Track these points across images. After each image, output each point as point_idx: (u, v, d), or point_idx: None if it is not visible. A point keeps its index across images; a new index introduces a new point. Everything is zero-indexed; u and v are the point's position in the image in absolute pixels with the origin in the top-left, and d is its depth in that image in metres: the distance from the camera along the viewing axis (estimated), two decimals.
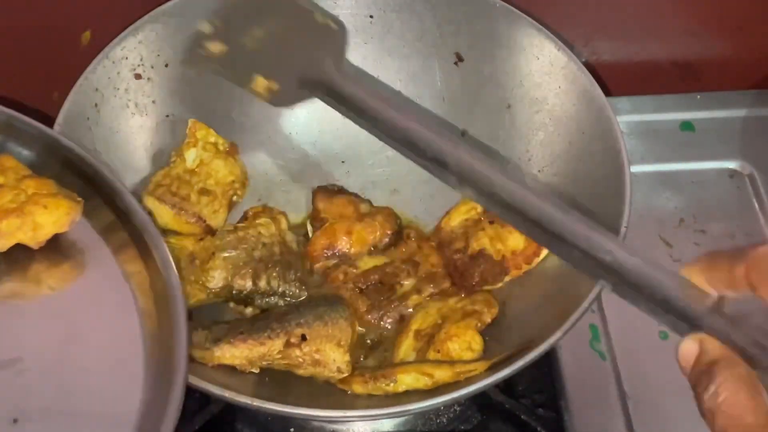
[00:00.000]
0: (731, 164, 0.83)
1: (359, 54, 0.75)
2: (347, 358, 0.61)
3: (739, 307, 0.42)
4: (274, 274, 0.66)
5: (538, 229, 0.49)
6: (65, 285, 0.57)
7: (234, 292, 0.65)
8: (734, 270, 0.41)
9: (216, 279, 0.64)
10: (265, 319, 0.62)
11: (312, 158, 0.76)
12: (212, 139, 0.71)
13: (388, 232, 0.70)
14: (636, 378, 0.71)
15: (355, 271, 0.68)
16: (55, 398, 0.50)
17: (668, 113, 0.86)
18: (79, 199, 0.56)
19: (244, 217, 0.70)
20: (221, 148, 0.71)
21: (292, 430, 0.69)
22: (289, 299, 0.66)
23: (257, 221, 0.68)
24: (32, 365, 0.51)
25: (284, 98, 0.64)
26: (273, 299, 0.66)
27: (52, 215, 0.57)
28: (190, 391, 0.65)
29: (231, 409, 0.68)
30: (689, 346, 0.42)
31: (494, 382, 0.55)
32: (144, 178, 0.69)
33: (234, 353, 0.60)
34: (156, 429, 0.47)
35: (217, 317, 0.65)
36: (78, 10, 0.74)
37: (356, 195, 0.73)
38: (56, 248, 0.57)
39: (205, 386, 0.54)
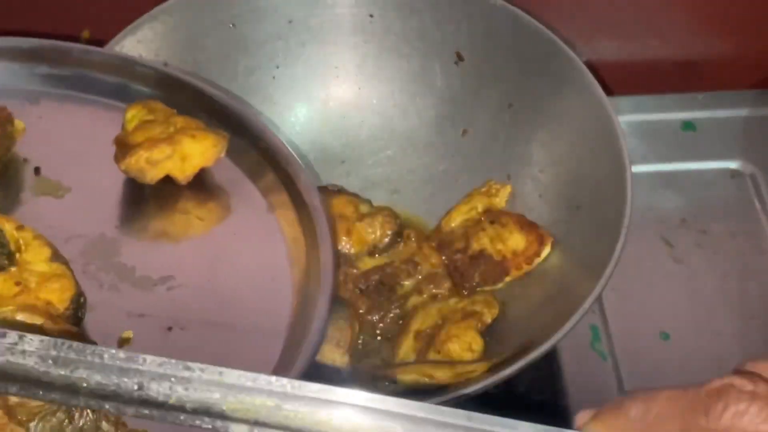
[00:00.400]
0: (733, 164, 0.83)
1: (359, 54, 0.75)
2: (346, 358, 0.61)
3: None
4: None
5: None
6: (214, 218, 0.60)
7: None
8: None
9: None
10: None
11: (312, 158, 0.76)
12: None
13: (388, 232, 0.70)
14: (637, 378, 0.71)
15: (355, 271, 0.68)
16: (207, 310, 0.54)
17: (669, 113, 0.86)
18: (225, 133, 0.58)
19: None
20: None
21: None
22: None
23: None
24: (185, 281, 0.55)
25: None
26: None
27: (200, 145, 0.59)
28: None
29: None
30: None
31: (494, 382, 0.55)
32: None
33: None
34: (304, 340, 0.50)
35: None
36: (78, 10, 0.74)
37: (356, 195, 0.73)
38: (204, 185, 0.60)
39: None
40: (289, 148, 0.59)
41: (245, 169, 0.61)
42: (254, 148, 0.61)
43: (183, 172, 0.59)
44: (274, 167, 0.60)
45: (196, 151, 0.59)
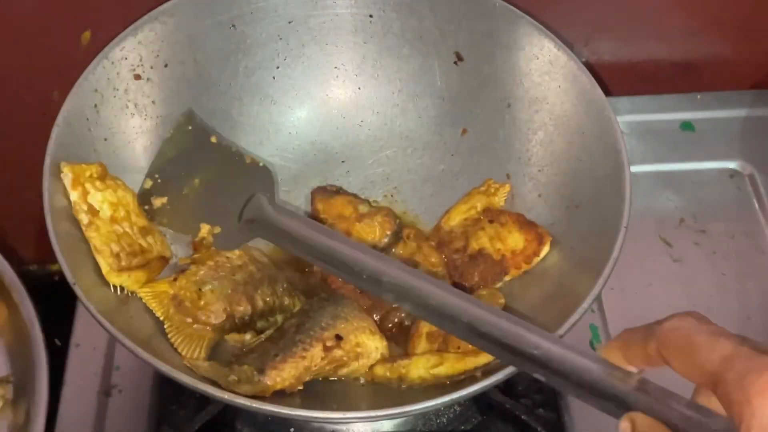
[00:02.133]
0: (731, 164, 0.83)
1: (359, 54, 0.75)
2: (385, 341, 0.62)
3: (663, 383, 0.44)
4: (266, 290, 0.65)
5: (472, 333, 0.53)
6: None
7: (236, 320, 0.63)
8: (647, 347, 0.44)
9: (216, 312, 0.63)
10: (285, 337, 0.61)
11: (312, 158, 0.76)
12: (88, 173, 0.63)
13: (388, 232, 0.70)
14: None
15: None
16: None
17: (668, 113, 0.86)
18: None
19: (195, 248, 0.67)
20: (96, 175, 0.63)
21: (291, 430, 0.69)
22: (286, 312, 0.65)
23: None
24: None
25: (228, 240, 0.67)
26: (272, 317, 0.65)
27: None
28: (190, 392, 0.65)
29: (231, 409, 0.68)
30: (624, 426, 0.44)
31: (494, 383, 0.55)
32: (144, 188, 0.69)
33: (283, 376, 0.58)
34: None
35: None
36: (78, 10, 0.73)
37: (355, 195, 0.73)
38: None
39: (205, 386, 0.54)
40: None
41: None
42: None
43: None
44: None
45: None
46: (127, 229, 0.63)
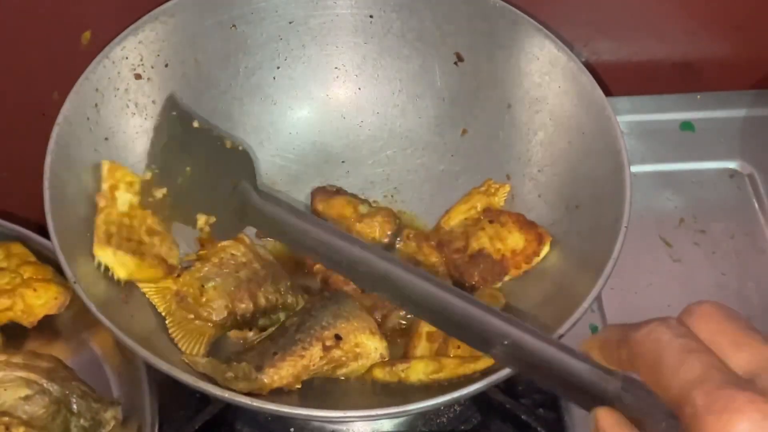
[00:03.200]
0: (731, 164, 0.83)
1: (359, 54, 0.75)
2: (385, 342, 0.62)
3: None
4: (269, 288, 0.65)
5: (443, 319, 0.54)
6: (63, 355, 0.67)
7: (238, 317, 0.64)
8: (620, 352, 0.40)
9: (218, 309, 0.63)
10: (285, 335, 0.61)
11: (312, 158, 0.76)
12: (129, 179, 0.66)
13: (388, 232, 0.70)
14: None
15: None
16: None
17: (668, 113, 0.86)
18: (70, 285, 0.60)
19: (201, 245, 0.67)
20: (134, 184, 0.66)
21: (292, 430, 0.69)
22: (289, 310, 0.65)
23: (223, 244, 0.66)
24: None
25: (223, 230, 0.67)
26: (275, 314, 0.65)
27: (41, 298, 0.68)
28: (190, 391, 0.65)
29: (231, 409, 0.68)
30: (595, 417, 0.42)
31: (494, 382, 0.55)
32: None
33: (281, 374, 0.59)
34: None
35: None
36: (78, 10, 0.74)
37: (355, 195, 0.73)
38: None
39: (205, 386, 0.54)
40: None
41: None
42: None
43: (27, 319, 0.68)
44: None
45: (37, 303, 0.68)
46: (134, 224, 0.64)
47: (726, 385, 0.35)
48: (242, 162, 0.70)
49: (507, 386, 0.70)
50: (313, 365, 0.60)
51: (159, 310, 0.62)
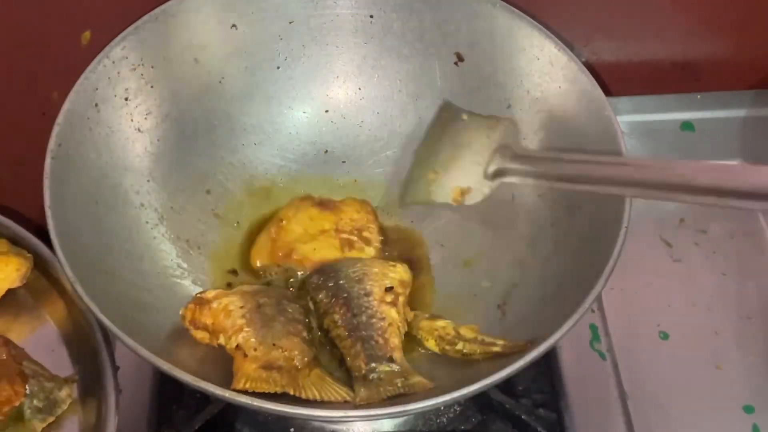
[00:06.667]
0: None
1: (359, 54, 0.75)
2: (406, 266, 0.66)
3: None
4: (293, 305, 0.64)
5: None
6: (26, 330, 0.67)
7: (309, 340, 0.62)
8: None
9: (300, 350, 0.60)
10: (353, 329, 0.62)
11: (312, 158, 0.76)
12: None
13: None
14: (636, 378, 0.71)
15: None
16: None
17: (668, 113, 0.86)
18: (29, 255, 0.58)
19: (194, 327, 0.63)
20: None
21: (292, 430, 0.69)
22: (312, 313, 0.65)
23: (216, 308, 0.62)
24: None
25: (478, 195, 0.69)
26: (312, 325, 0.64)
27: (2, 272, 0.65)
28: (190, 392, 0.65)
29: (231, 409, 0.68)
30: None
31: (494, 382, 0.55)
32: (145, 178, 0.69)
33: (395, 343, 0.61)
34: None
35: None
36: (78, 10, 0.73)
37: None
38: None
39: (205, 386, 0.54)
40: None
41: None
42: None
43: None
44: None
45: None
46: None
47: None
48: (502, 128, 0.72)
49: (507, 386, 0.70)
50: (399, 319, 0.62)
51: (277, 390, 0.57)
